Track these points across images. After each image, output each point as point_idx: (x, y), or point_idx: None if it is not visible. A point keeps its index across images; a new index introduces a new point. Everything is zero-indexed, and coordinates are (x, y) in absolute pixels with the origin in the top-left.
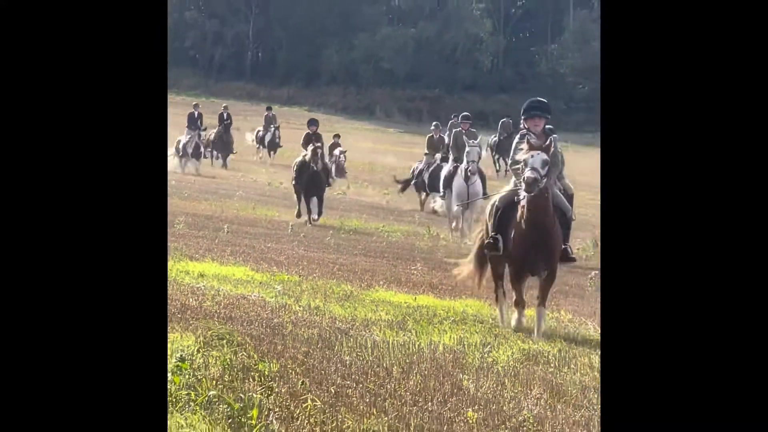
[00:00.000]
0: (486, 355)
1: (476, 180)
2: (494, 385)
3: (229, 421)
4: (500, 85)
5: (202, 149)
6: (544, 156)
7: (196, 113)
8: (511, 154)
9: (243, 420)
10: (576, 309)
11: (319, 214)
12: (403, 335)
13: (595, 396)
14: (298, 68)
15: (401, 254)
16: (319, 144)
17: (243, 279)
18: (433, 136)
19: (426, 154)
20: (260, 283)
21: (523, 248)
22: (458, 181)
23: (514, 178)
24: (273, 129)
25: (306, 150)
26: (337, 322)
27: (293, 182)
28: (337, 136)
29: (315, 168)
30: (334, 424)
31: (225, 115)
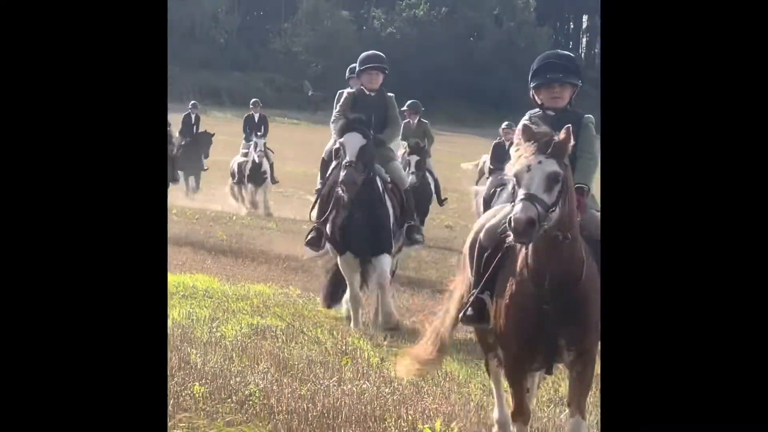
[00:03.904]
0: (215, 330)
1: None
2: (222, 360)
3: None
4: (234, 62)
5: (266, 168)
6: (553, 167)
7: (256, 115)
8: (514, 147)
9: None
10: (305, 285)
11: None
12: None
13: (321, 370)
14: None
15: None
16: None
17: None
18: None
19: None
20: None
21: (527, 319)
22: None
23: (503, 194)
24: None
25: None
26: None
27: None
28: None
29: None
30: None
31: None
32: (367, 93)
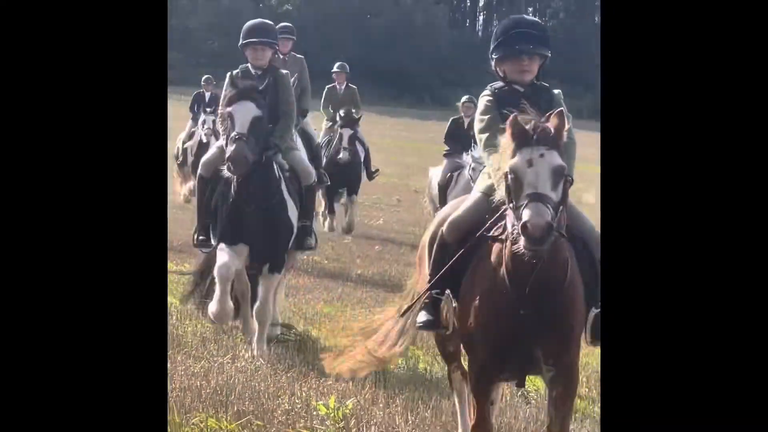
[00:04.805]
0: None
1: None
2: None
3: None
4: None
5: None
6: (557, 160)
7: (207, 94)
8: (477, 126)
9: None
10: None
11: None
12: None
13: (215, 347)
14: None
15: None
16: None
17: None
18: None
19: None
20: None
21: (499, 323)
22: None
23: (480, 175)
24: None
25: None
26: None
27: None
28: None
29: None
30: None
31: None
32: (254, 71)
